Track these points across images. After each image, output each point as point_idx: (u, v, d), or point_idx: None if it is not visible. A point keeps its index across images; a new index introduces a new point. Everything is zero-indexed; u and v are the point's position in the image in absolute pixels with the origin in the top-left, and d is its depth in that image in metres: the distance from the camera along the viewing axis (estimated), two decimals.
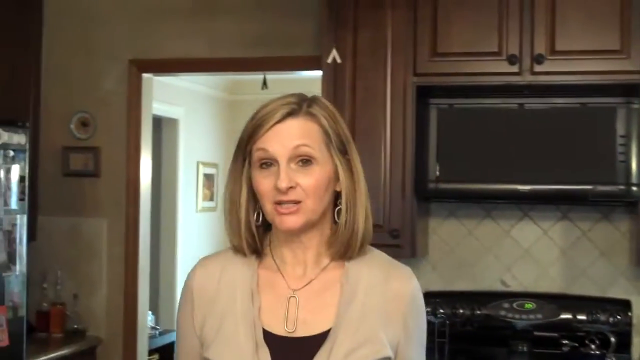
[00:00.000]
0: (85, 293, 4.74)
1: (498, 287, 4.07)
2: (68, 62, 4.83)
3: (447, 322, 3.87)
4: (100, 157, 4.78)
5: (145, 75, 4.81)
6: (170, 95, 6.68)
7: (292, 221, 1.70)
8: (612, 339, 3.68)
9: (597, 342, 3.71)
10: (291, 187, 1.68)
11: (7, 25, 4.33)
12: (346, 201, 1.73)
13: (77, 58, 4.83)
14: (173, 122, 7.13)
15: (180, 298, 1.85)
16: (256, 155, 1.72)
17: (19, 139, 3.77)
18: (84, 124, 4.81)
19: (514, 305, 3.89)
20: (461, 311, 3.92)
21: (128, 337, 4.67)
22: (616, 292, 3.93)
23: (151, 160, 4.97)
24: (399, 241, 3.75)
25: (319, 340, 1.70)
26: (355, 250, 1.76)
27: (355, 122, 3.82)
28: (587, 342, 3.73)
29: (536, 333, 3.84)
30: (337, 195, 1.75)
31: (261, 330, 1.71)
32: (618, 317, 3.76)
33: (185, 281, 1.84)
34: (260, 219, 1.77)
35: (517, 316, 3.87)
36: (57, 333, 4.57)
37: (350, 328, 1.70)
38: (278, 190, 1.68)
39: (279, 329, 1.72)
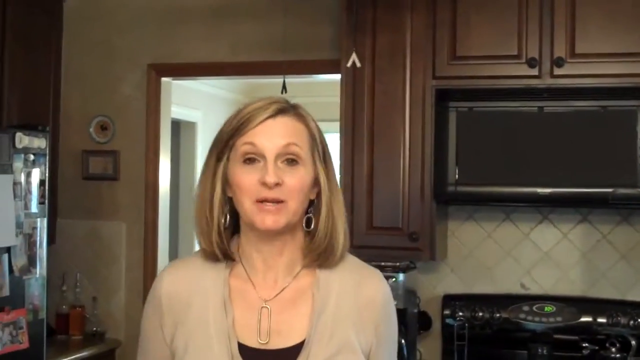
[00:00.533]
0: (104, 296, 4.76)
1: (517, 290, 4.06)
2: (87, 66, 4.86)
3: (466, 325, 3.87)
4: (119, 160, 4.81)
5: (164, 79, 4.83)
6: (189, 99, 6.70)
7: (273, 220, 1.66)
8: (633, 342, 3.67)
9: (618, 345, 3.69)
10: (277, 184, 1.65)
11: (28, 30, 4.35)
12: (327, 209, 1.72)
13: (96, 62, 4.85)
14: (191, 126, 7.15)
15: (146, 306, 1.79)
16: (242, 149, 1.68)
17: (39, 143, 3.79)
18: (103, 127, 4.83)
19: (534, 308, 3.88)
20: (480, 314, 3.91)
21: None
22: (636, 295, 3.91)
23: (170, 163, 4.98)
24: (418, 244, 3.74)
25: (294, 352, 1.68)
26: (335, 260, 1.74)
27: (374, 126, 3.83)
28: (607, 345, 3.71)
29: (556, 336, 3.83)
30: (309, 203, 1.73)
31: (236, 343, 1.67)
32: (639, 320, 3.74)
33: (152, 289, 1.78)
34: (227, 222, 1.72)
35: (536, 319, 3.86)
36: (77, 335, 4.59)
37: (323, 338, 1.68)
38: (263, 185, 1.64)
39: (252, 342, 1.68)
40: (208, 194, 1.71)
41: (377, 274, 1.80)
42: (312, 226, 1.72)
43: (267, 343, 1.68)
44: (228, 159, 1.70)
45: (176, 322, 1.71)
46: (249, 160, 1.67)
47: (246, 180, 1.67)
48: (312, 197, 1.72)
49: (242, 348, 1.67)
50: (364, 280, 1.77)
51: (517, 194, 3.78)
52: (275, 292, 1.72)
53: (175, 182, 6.65)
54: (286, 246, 1.73)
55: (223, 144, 1.71)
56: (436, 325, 4.05)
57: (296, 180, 1.67)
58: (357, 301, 1.73)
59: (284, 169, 1.67)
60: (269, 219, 1.66)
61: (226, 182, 1.71)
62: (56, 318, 4.62)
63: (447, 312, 3.97)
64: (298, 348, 1.68)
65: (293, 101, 1.77)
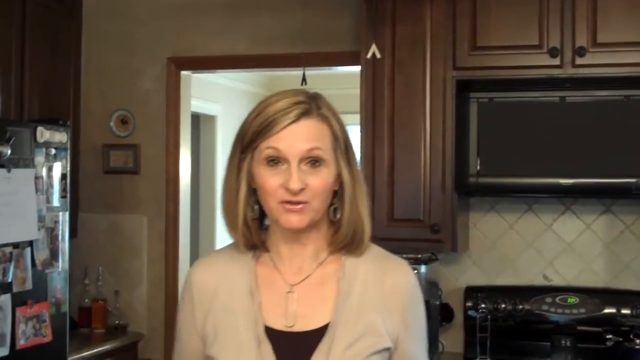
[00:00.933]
0: (126, 289, 4.78)
1: (540, 282, 4.03)
2: (107, 60, 4.87)
3: (489, 316, 3.85)
4: (139, 154, 4.81)
5: (183, 73, 4.83)
6: (208, 92, 6.71)
7: (297, 220, 1.69)
8: None
9: None
10: (302, 189, 1.67)
11: (48, 25, 4.37)
12: (350, 202, 1.74)
13: (116, 56, 4.86)
14: (211, 119, 7.15)
15: (180, 299, 1.86)
16: (265, 152, 1.69)
17: (60, 137, 3.80)
18: (123, 121, 4.84)
19: (557, 299, 3.86)
20: (503, 306, 3.89)
21: (169, 333, 4.69)
22: None
23: (190, 156, 4.99)
24: (440, 236, 3.73)
25: (319, 334, 1.70)
26: (360, 249, 1.77)
27: (394, 117, 3.81)
28: (631, 336, 3.69)
29: (579, 328, 3.81)
30: (333, 194, 1.75)
31: (262, 326, 1.71)
32: None
33: (185, 282, 1.84)
34: (257, 214, 1.76)
35: (559, 311, 3.84)
36: (99, 328, 4.61)
37: (349, 321, 1.71)
38: (287, 190, 1.67)
39: (278, 325, 1.72)
40: (234, 190, 1.74)
41: (403, 263, 1.82)
42: (338, 216, 1.75)
43: (292, 326, 1.71)
44: (252, 157, 1.72)
45: (206, 312, 1.77)
46: (273, 162, 1.69)
47: (270, 183, 1.69)
48: (336, 187, 1.74)
49: (269, 331, 1.71)
50: (389, 268, 1.79)
51: (539, 184, 3.77)
52: (301, 277, 1.76)
53: (196, 175, 6.66)
54: (311, 238, 1.76)
55: (246, 144, 1.72)
56: (458, 317, 4.03)
57: (319, 182, 1.69)
58: (383, 288, 1.75)
59: (307, 170, 1.69)
60: (294, 219, 1.69)
61: (251, 178, 1.73)
62: (79, 311, 4.64)
63: (469, 303, 3.96)
64: (323, 330, 1.70)
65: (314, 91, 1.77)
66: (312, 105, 1.72)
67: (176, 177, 4.78)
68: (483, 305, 3.89)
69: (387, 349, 1.72)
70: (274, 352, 1.69)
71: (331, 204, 1.75)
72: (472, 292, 3.98)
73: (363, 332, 1.70)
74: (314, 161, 1.69)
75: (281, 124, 1.68)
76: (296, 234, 1.74)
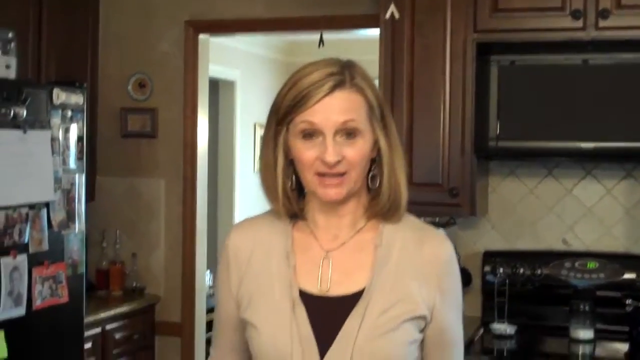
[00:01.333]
0: (143, 252, 4.79)
1: (560, 247, 3.99)
2: (125, 24, 4.84)
3: (507, 281, 3.83)
4: (157, 118, 4.80)
5: (201, 37, 4.80)
6: (227, 58, 6.68)
7: (335, 193, 1.70)
8: None
9: None
10: (338, 161, 1.67)
11: None
12: (389, 169, 1.74)
13: (134, 20, 4.84)
14: (230, 85, 7.13)
15: (219, 264, 1.87)
16: (300, 126, 1.69)
17: (77, 99, 3.78)
18: (141, 85, 4.83)
19: (576, 264, 3.83)
20: (521, 270, 3.86)
21: (186, 296, 4.71)
22: None
23: (208, 122, 4.97)
24: (458, 200, 3.69)
25: (353, 299, 1.70)
26: (398, 216, 1.77)
27: (414, 80, 3.77)
28: None
29: (599, 293, 3.77)
30: (371, 162, 1.74)
31: (297, 289, 1.72)
32: None
33: (224, 244, 1.86)
34: (294, 184, 1.77)
35: (579, 275, 3.81)
36: (116, 291, 4.63)
37: (385, 287, 1.71)
38: (324, 162, 1.67)
39: (313, 289, 1.73)
40: (271, 162, 1.75)
41: (441, 233, 1.83)
42: (376, 184, 1.75)
43: (327, 291, 1.72)
44: (287, 130, 1.72)
45: (241, 276, 1.78)
46: (308, 135, 1.69)
47: (306, 155, 1.69)
48: (373, 155, 1.74)
49: (303, 295, 1.72)
50: (426, 237, 1.78)
51: (559, 148, 3.71)
52: (337, 244, 1.76)
53: (214, 141, 6.64)
54: (349, 208, 1.76)
55: (281, 117, 1.73)
56: (476, 281, 4.01)
57: (355, 153, 1.69)
58: (420, 257, 1.75)
59: (343, 142, 1.69)
60: (331, 192, 1.70)
61: (288, 149, 1.74)
62: (96, 274, 4.66)
63: (487, 268, 3.93)
64: (357, 296, 1.70)
65: (345, 58, 1.76)
66: (345, 75, 1.70)
67: (194, 141, 4.77)
68: (501, 270, 3.86)
69: (422, 318, 1.72)
70: (307, 315, 1.70)
71: (369, 172, 1.74)
72: (490, 257, 3.95)
73: (398, 298, 1.70)
74: (349, 133, 1.69)
75: (315, 97, 1.68)
76: (333, 205, 1.74)
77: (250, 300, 1.75)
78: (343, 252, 1.75)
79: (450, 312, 1.77)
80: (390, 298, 1.69)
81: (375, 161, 1.74)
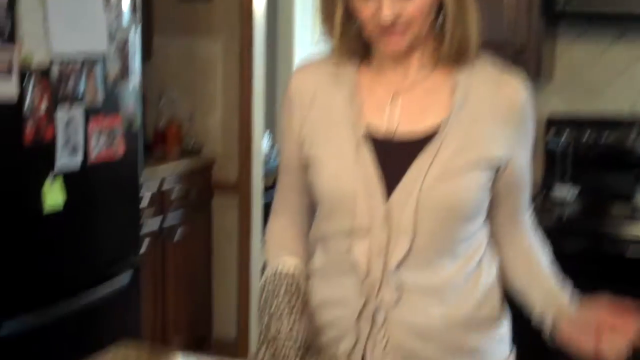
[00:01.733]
0: (201, 113, 4.77)
1: (628, 114, 3.85)
2: None
3: (571, 147, 3.72)
4: None
5: None
6: None
7: (396, 43, 1.63)
8: None
9: None
10: (396, 17, 1.59)
11: None
12: (454, 14, 1.63)
13: None
14: None
15: (282, 106, 1.84)
16: None
17: None
18: None
19: None
20: (586, 137, 3.76)
21: (243, 156, 4.70)
22: None
23: None
24: (523, 59, 3.55)
25: (423, 141, 1.64)
26: (469, 59, 1.68)
27: None
28: None
29: None
30: (438, 8, 1.64)
31: (362, 130, 1.67)
32: None
33: (288, 84, 1.82)
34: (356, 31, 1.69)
35: None
36: (174, 151, 4.62)
37: (459, 130, 1.64)
38: (380, 21, 1.59)
39: (380, 130, 1.68)
40: (330, 16, 1.69)
41: (519, 77, 1.73)
42: (444, 30, 1.65)
43: (395, 132, 1.67)
44: None
45: (304, 116, 1.75)
46: None
47: (364, 12, 1.62)
48: None
49: (369, 136, 1.67)
50: (504, 79, 1.71)
51: (633, 11, 3.53)
52: (407, 84, 1.70)
53: (273, 4, 6.53)
54: (416, 54, 1.69)
55: None
56: (539, 146, 3.90)
57: (414, 7, 1.59)
58: (497, 99, 1.68)
59: None
60: (392, 43, 1.63)
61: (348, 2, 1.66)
62: (154, 134, 4.65)
63: (551, 133, 3.83)
64: (427, 140, 1.64)
65: None
66: None
67: (250, 1, 4.66)
68: (565, 135, 3.76)
69: (496, 162, 1.66)
70: (374, 156, 1.65)
71: (437, 17, 1.65)
72: (554, 122, 3.85)
73: (473, 141, 1.64)
74: None
75: None
76: (398, 56, 1.68)
77: (313, 140, 1.72)
78: (413, 92, 1.69)
79: (525, 157, 1.74)
80: (465, 141, 1.63)
81: (443, 6, 1.64)
